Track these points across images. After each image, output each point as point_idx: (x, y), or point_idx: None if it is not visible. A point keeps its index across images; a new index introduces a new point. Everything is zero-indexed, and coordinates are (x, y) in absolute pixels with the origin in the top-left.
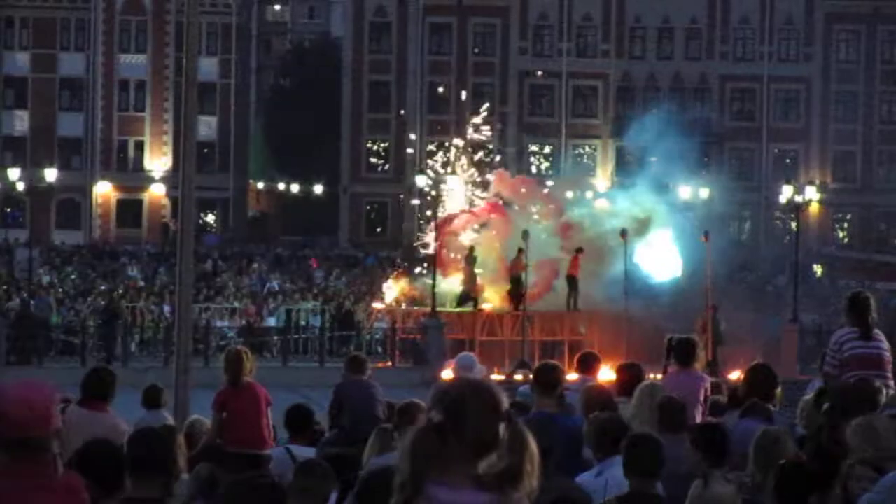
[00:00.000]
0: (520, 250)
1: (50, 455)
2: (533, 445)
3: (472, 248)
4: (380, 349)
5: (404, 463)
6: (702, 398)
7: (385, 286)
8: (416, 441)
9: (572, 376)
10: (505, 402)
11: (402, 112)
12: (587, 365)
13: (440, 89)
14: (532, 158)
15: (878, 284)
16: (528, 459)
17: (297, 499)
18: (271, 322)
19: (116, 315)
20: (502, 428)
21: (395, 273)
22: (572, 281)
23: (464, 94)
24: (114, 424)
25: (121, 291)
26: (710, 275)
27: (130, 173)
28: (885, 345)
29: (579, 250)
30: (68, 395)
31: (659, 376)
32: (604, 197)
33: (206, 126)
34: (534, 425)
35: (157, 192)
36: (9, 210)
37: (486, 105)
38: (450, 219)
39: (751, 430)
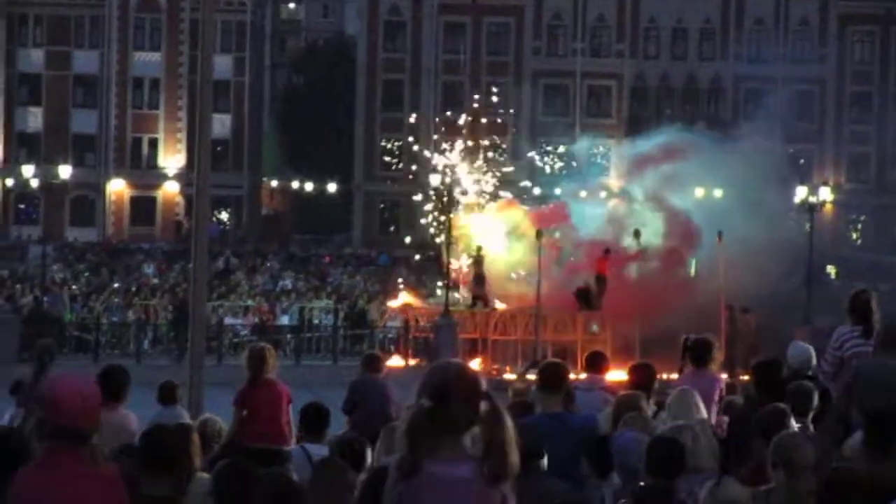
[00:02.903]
0: (607, 251)
1: (92, 446)
2: (509, 421)
3: (479, 248)
4: (392, 348)
5: (402, 443)
6: (716, 399)
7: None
8: (411, 423)
9: (581, 375)
10: (484, 383)
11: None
12: (595, 364)
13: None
14: (546, 158)
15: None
16: (506, 432)
17: (316, 496)
18: (284, 320)
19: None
20: (483, 406)
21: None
22: (601, 280)
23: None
24: (123, 423)
25: (134, 289)
26: (723, 275)
27: (144, 171)
28: None
29: (607, 251)
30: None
31: (674, 376)
32: (617, 197)
33: (220, 124)
34: (538, 426)
35: (170, 189)
36: (23, 207)
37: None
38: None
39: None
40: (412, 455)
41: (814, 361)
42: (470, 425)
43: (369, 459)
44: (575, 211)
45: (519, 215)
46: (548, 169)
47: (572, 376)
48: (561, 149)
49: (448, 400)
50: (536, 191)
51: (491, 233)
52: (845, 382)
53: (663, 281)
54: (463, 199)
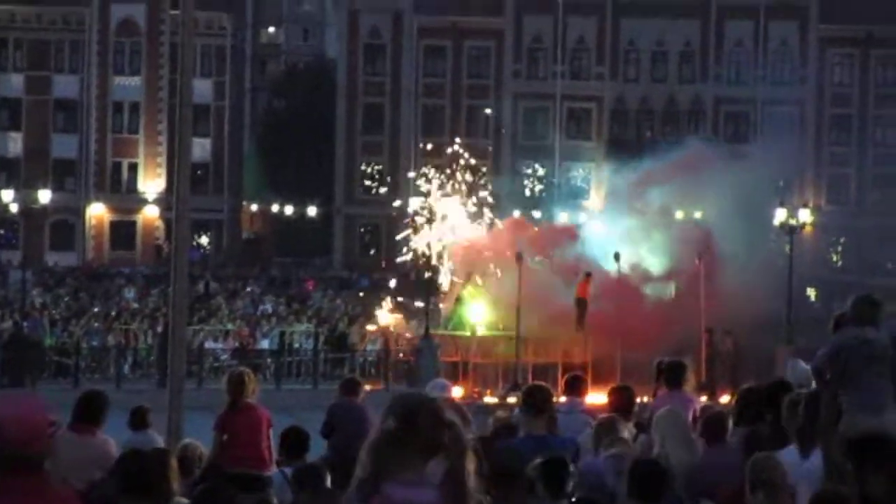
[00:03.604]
0: (588, 274)
1: (44, 471)
2: (470, 451)
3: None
4: (373, 371)
5: (364, 464)
6: (690, 419)
7: (378, 312)
8: (375, 445)
9: (561, 399)
10: (448, 412)
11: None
12: (575, 387)
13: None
14: (525, 181)
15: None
16: (467, 461)
17: None
18: (265, 344)
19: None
20: (447, 434)
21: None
22: (582, 303)
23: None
24: (103, 449)
25: (114, 313)
26: (703, 297)
27: (124, 195)
28: None
29: (588, 274)
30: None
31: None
32: (597, 220)
33: (200, 148)
34: (521, 448)
35: (150, 213)
36: (2, 231)
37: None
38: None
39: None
40: (374, 476)
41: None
42: (433, 452)
43: (328, 482)
44: (588, 230)
45: (529, 234)
46: (528, 192)
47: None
48: (541, 171)
49: (414, 423)
50: (516, 213)
51: (490, 256)
52: (827, 355)
53: (644, 304)
54: (444, 223)
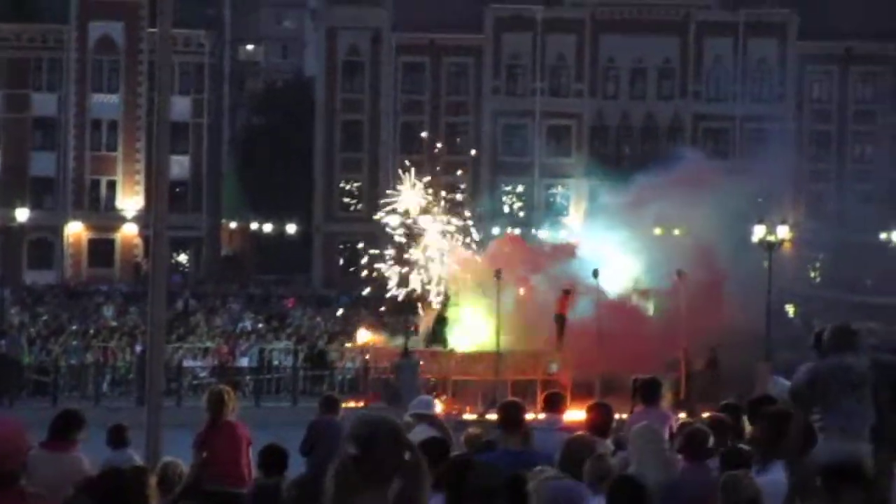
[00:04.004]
0: (567, 290)
1: (20, 486)
2: (427, 472)
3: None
4: (353, 389)
5: (328, 490)
6: (667, 436)
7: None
8: (338, 470)
9: (540, 416)
10: (405, 434)
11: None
12: (554, 405)
13: (423, 134)
14: (504, 198)
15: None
16: (424, 483)
17: None
18: (244, 362)
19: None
20: (406, 456)
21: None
22: (561, 319)
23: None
24: (75, 466)
25: (93, 331)
26: (683, 313)
27: (103, 213)
28: None
29: (567, 291)
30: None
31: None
32: (577, 237)
33: (179, 165)
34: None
35: (129, 231)
36: None
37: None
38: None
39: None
40: (337, 501)
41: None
42: (392, 474)
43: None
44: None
45: (523, 253)
46: (507, 208)
47: (531, 416)
48: (520, 188)
49: (374, 448)
50: (496, 230)
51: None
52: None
53: (625, 321)
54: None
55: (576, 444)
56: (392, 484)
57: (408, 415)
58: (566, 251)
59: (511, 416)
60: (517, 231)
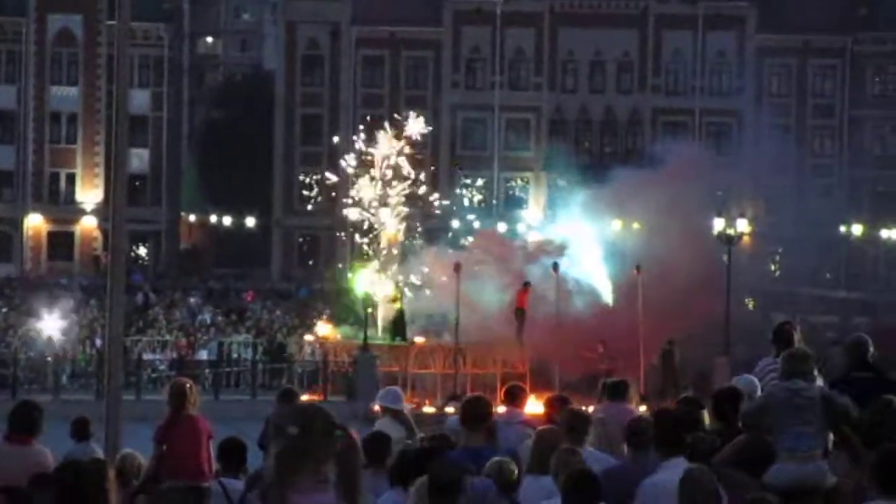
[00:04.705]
0: (527, 284)
1: None
2: (360, 455)
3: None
4: (312, 382)
5: (270, 471)
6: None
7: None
8: (280, 450)
9: (500, 409)
10: (338, 418)
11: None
12: (514, 397)
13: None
14: (464, 191)
15: (812, 318)
16: (359, 462)
17: None
18: (203, 355)
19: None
20: (339, 439)
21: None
22: (520, 314)
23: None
24: (38, 459)
25: None
26: (641, 308)
27: (62, 206)
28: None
29: (527, 285)
30: None
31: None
32: (535, 230)
33: (138, 158)
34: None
35: (88, 224)
36: None
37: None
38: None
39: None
40: (279, 482)
41: (759, 392)
42: (328, 457)
43: None
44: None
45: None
46: (466, 202)
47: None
48: (480, 182)
49: (311, 430)
50: (455, 223)
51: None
52: (758, 407)
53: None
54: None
55: (546, 437)
56: (328, 465)
57: (376, 405)
58: (553, 248)
59: (473, 413)
60: (476, 225)
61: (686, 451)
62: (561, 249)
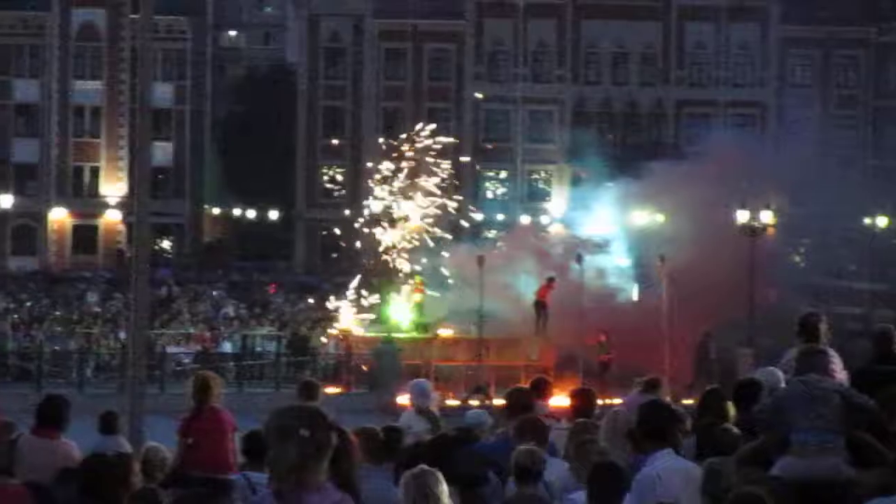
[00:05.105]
0: (551, 279)
1: None
2: (356, 451)
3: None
4: (335, 374)
5: (284, 467)
6: None
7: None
8: (297, 450)
9: None
10: (334, 417)
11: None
12: (540, 390)
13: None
14: (487, 184)
15: (836, 309)
16: (355, 461)
17: None
18: (226, 348)
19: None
20: (338, 438)
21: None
22: (541, 306)
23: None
24: (66, 452)
25: (76, 317)
26: (665, 299)
27: (85, 199)
28: (839, 366)
29: (551, 279)
30: (8, 420)
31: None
32: (559, 222)
33: (161, 152)
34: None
35: (112, 217)
36: None
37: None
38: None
39: None
40: (296, 483)
41: (782, 384)
42: (328, 454)
43: None
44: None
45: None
46: (490, 194)
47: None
48: (503, 174)
49: (316, 430)
50: (479, 216)
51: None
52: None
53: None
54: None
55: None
56: (328, 461)
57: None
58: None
59: (516, 402)
60: (500, 217)
61: (672, 444)
62: (601, 246)
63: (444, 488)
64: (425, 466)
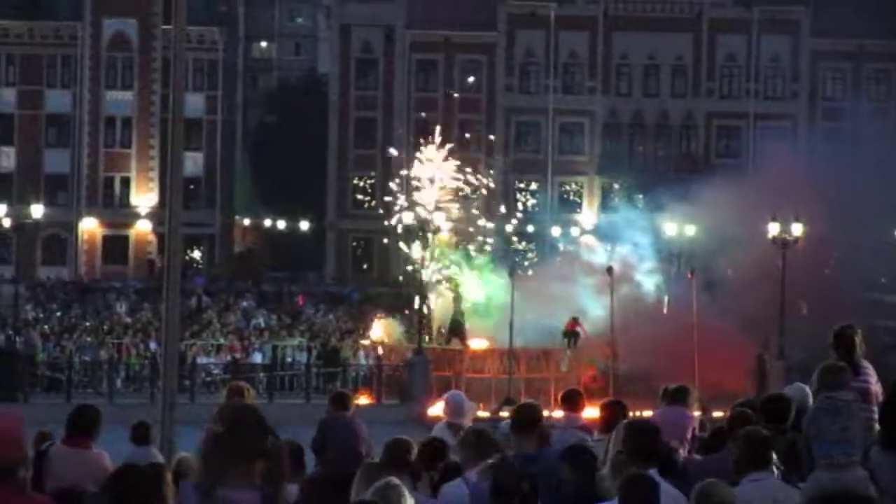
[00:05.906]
0: (575, 319)
1: (19, 478)
2: (287, 457)
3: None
4: (366, 385)
5: (200, 469)
6: (688, 435)
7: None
8: (206, 450)
9: (558, 413)
10: (268, 422)
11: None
12: (572, 402)
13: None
14: (518, 195)
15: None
16: (284, 466)
17: None
18: (257, 358)
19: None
20: (268, 441)
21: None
22: (572, 335)
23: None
24: (97, 462)
25: (106, 328)
26: (696, 312)
27: (116, 209)
28: (873, 378)
29: (575, 319)
30: (45, 430)
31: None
32: (590, 234)
33: (192, 162)
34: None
35: (143, 228)
36: None
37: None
38: None
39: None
40: (207, 477)
41: (810, 400)
42: (257, 456)
43: None
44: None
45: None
46: (520, 205)
47: (547, 413)
48: (534, 185)
49: (238, 428)
50: (509, 227)
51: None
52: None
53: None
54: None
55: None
56: (257, 464)
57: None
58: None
59: (526, 418)
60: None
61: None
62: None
63: (411, 502)
64: (392, 480)
